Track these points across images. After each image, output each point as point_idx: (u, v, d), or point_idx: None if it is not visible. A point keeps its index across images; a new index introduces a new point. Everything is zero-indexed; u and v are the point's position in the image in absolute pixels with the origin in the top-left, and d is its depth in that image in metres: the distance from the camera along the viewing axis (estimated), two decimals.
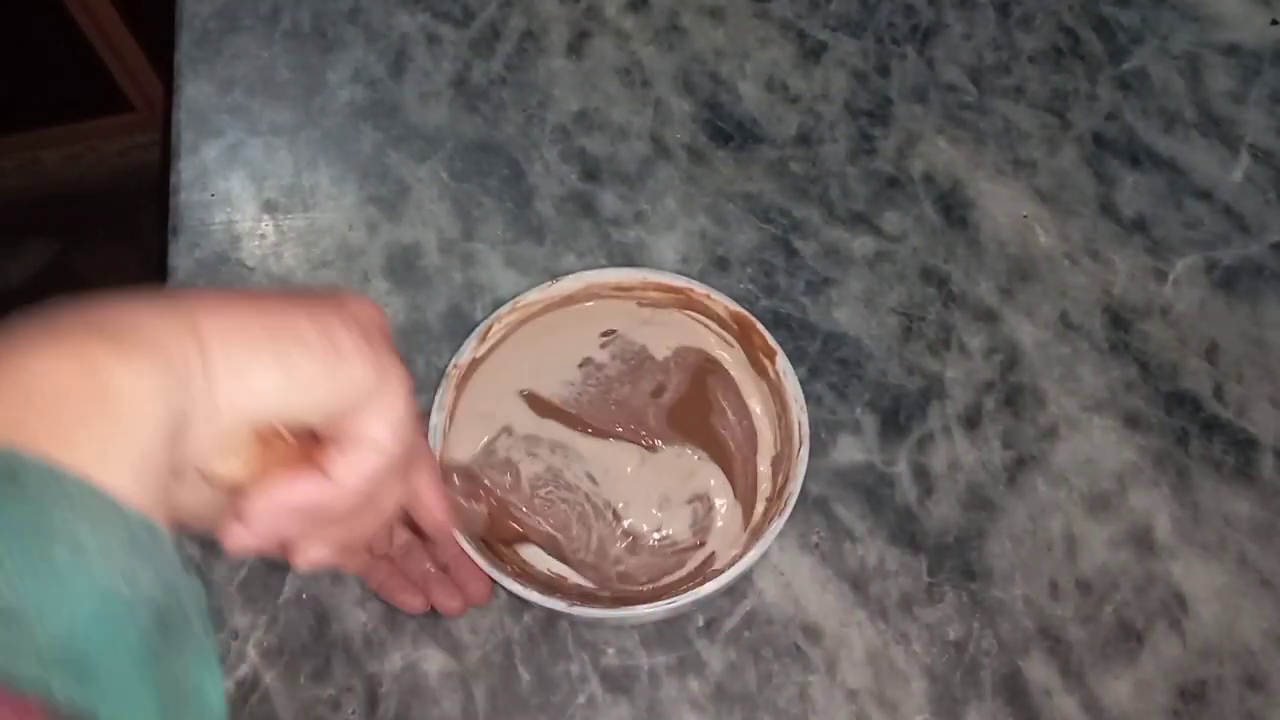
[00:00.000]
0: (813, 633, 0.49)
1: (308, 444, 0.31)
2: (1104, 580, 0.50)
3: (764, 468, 0.50)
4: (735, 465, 0.50)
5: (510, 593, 0.45)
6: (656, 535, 0.49)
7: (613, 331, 0.53)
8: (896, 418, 0.54)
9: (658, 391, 0.51)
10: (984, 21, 0.67)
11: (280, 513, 0.30)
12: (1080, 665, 0.48)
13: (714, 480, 0.50)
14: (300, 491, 0.30)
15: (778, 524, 0.45)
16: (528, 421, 0.51)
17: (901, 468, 0.53)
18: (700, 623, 0.50)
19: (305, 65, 0.66)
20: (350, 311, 0.31)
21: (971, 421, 0.54)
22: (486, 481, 0.49)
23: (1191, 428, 0.54)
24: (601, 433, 0.51)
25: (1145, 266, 0.58)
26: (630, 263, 0.58)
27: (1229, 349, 0.56)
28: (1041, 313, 0.57)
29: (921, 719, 0.48)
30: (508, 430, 0.51)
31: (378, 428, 0.31)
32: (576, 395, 0.51)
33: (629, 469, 0.50)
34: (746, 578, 0.50)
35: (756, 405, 0.51)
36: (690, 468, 0.50)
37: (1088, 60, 0.65)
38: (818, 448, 0.53)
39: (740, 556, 0.44)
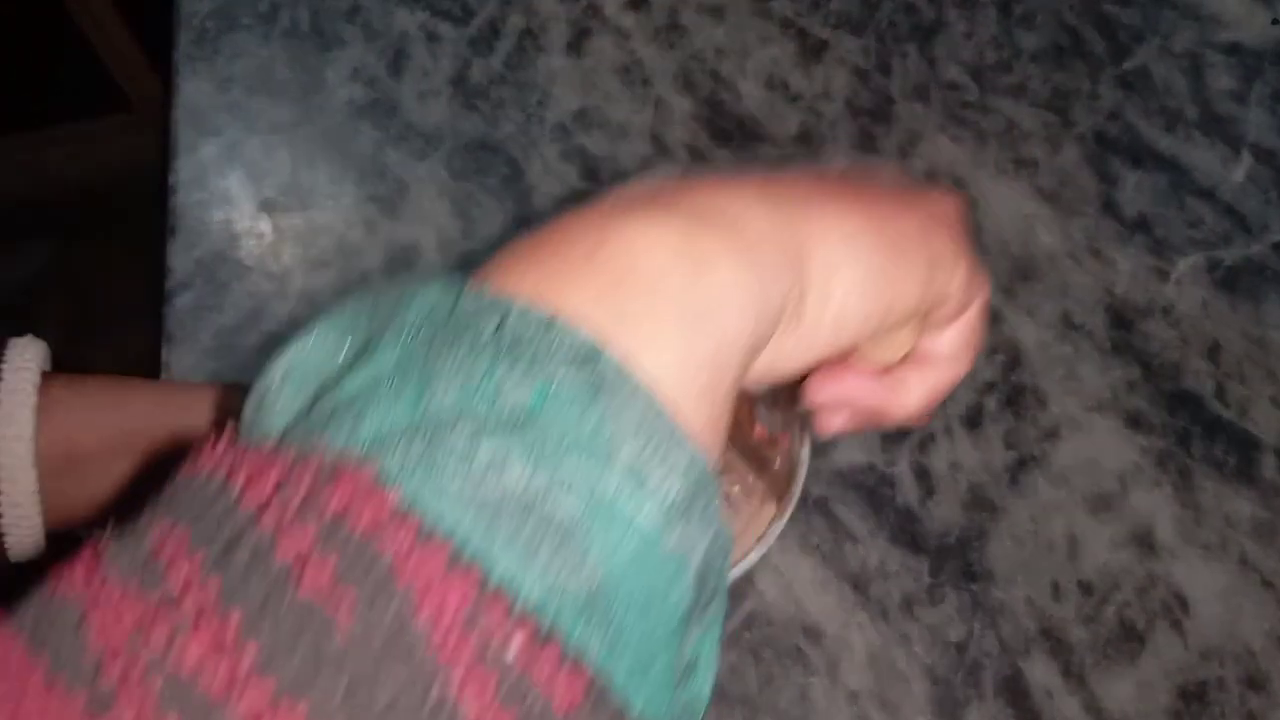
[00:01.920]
0: (813, 634, 0.49)
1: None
2: (1105, 581, 0.50)
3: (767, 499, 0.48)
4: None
5: None
6: None
7: None
8: None
9: None
10: (985, 20, 0.66)
11: (840, 400, 0.28)
12: (1082, 666, 0.48)
13: None
14: (866, 393, 0.28)
15: (778, 525, 0.44)
16: None
17: (902, 468, 0.53)
18: None
19: (304, 64, 0.65)
20: (942, 211, 0.27)
21: (973, 422, 0.54)
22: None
23: (1193, 428, 0.54)
24: None
25: (1147, 266, 0.58)
26: None
27: (1231, 349, 0.56)
28: (1043, 312, 0.57)
29: None
30: None
31: (958, 344, 0.28)
32: None
33: None
34: (747, 578, 0.50)
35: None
36: None
37: (1089, 59, 0.65)
38: (818, 448, 0.53)
39: (741, 557, 0.44)
